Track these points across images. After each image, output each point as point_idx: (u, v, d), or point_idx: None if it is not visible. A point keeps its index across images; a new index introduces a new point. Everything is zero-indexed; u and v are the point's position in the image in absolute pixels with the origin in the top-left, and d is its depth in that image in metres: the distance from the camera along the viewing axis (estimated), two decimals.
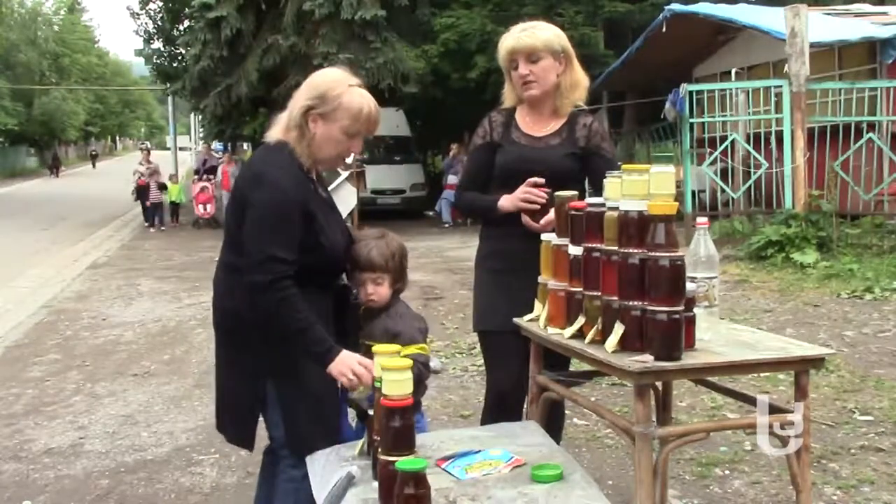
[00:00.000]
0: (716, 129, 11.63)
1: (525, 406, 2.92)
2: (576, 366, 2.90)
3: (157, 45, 22.91)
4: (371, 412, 2.22)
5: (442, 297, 8.71)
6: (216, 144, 26.10)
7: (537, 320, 2.61)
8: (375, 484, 2.01)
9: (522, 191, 2.87)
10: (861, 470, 3.79)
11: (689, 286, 2.21)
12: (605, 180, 2.34)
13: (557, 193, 2.60)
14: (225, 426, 2.72)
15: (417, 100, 17.55)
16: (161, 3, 22.00)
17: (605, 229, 2.27)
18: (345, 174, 10.83)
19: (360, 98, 2.54)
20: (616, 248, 2.22)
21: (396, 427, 1.91)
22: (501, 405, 3.00)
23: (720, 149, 10.68)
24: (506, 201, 2.92)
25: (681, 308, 2.12)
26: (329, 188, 2.82)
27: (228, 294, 2.59)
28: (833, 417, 4.49)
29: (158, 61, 22.66)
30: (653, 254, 2.11)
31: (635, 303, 2.16)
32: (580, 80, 3.05)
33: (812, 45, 9.91)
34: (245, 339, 2.54)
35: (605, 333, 2.25)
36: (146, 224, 17.39)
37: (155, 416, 5.01)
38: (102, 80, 59.36)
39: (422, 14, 16.93)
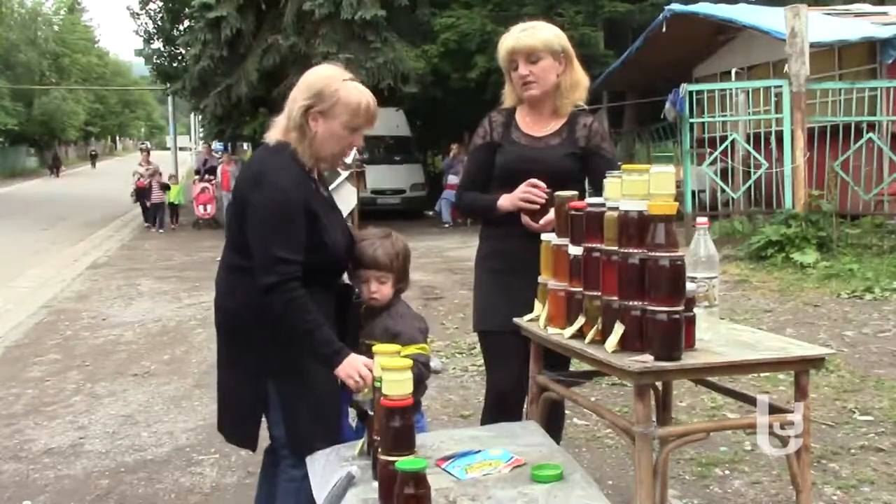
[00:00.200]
0: (716, 129, 11.62)
1: (525, 406, 2.92)
2: (576, 366, 2.90)
3: (157, 45, 22.96)
4: (371, 412, 2.22)
5: (442, 297, 8.70)
6: (216, 144, 26.08)
7: (537, 320, 2.61)
8: (375, 484, 2.01)
9: (522, 190, 2.86)
10: (861, 470, 3.79)
11: (689, 286, 2.22)
12: (605, 180, 2.34)
13: (557, 193, 2.60)
14: (227, 426, 2.72)
15: (417, 100, 17.55)
16: (161, 3, 22.02)
17: (605, 229, 2.27)
18: (345, 174, 10.80)
19: (357, 92, 2.55)
20: (616, 248, 2.22)
21: (396, 427, 1.91)
22: (501, 405, 3.00)
23: (720, 149, 10.67)
24: (505, 201, 2.92)
25: (681, 308, 2.12)
26: (329, 188, 2.82)
27: (230, 294, 2.60)
28: (833, 417, 4.49)
29: (158, 61, 22.68)
30: (653, 254, 2.11)
31: (635, 303, 2.16)
32: (580, 80, 3.05)
33: (812, 45, 9.90)
34: (247, 339, 2.54)
35: (605, 333, 2.25)
36: (146, 224, 17.39)
37: (155, 416, 5.01)
38: (102, 80, 59.37)
39: (422, 14, 16.92)
